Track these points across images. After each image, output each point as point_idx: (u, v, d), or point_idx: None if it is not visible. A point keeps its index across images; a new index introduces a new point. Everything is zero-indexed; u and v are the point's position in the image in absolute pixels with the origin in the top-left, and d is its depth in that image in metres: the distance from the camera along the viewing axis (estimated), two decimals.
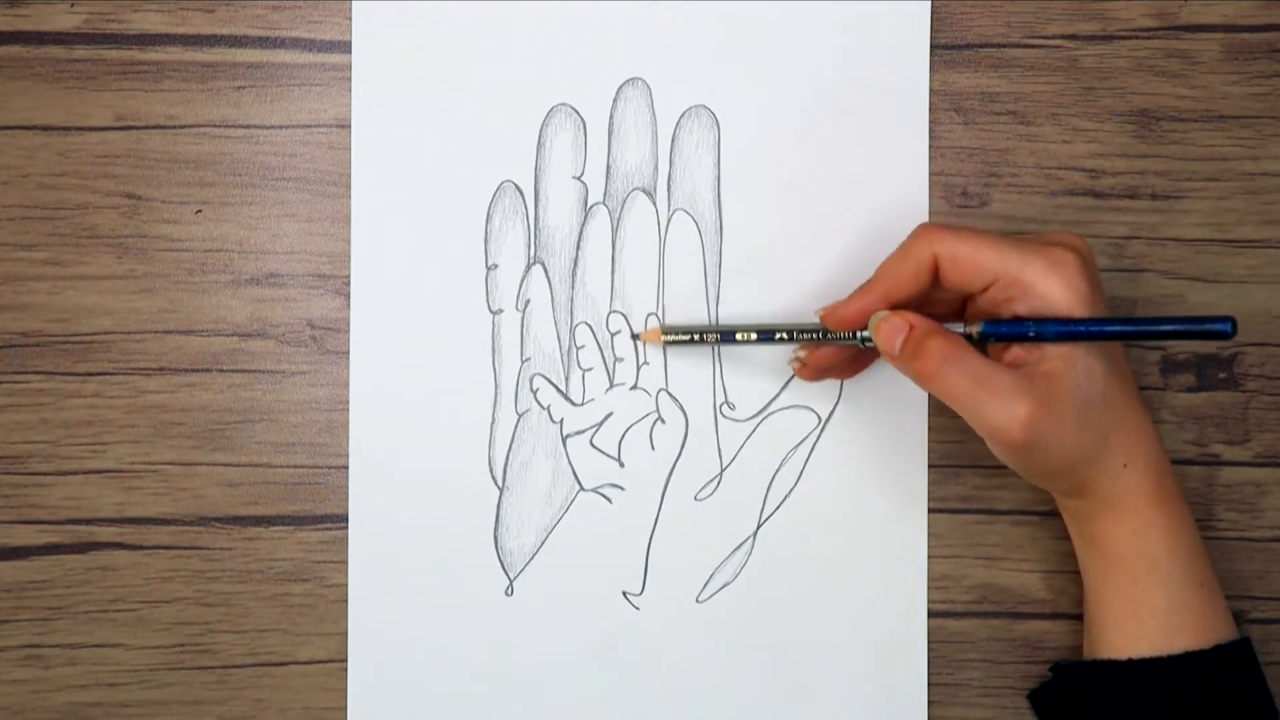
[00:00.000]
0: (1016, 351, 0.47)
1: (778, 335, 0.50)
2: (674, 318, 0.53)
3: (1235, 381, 0.54)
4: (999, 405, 0.45)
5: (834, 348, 0.50)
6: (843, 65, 0.53)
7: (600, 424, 0.53)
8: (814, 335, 0.50)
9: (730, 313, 0.53)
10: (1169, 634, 0.47)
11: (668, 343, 0.52)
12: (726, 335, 0.51)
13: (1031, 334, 0.46)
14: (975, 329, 0.47)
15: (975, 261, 0.46)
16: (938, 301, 0.50)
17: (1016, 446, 0.46)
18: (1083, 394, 0.46)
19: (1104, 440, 0.46)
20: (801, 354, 0.51)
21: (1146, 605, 0.48)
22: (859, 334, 0.49)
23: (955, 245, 0.46)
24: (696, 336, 0.52)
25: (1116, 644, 0.48)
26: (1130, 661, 0.48)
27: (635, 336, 0.53)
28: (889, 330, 0.47)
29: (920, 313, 0.48)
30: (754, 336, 0.51)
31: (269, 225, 0.54)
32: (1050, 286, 0.46)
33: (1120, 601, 0.48)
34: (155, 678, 0.53)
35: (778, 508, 0.53)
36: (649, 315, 0.53)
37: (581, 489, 0.53)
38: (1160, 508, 0.47)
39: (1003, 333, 0.46)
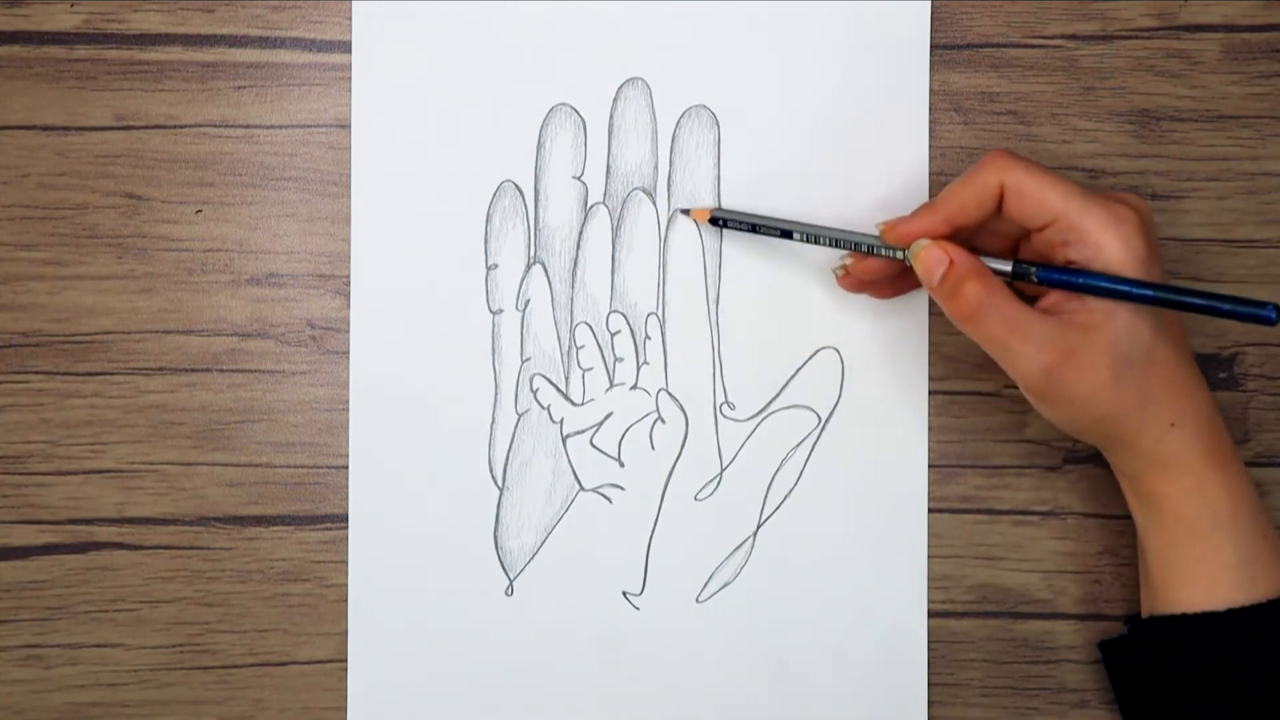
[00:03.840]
0: (1056, 297, 0.47)
1: (825, 239, 0.50)
2: (674, 318, 0.53)
3: (1235, 381, 0.54)
4: (1029, 352, 0.46)
5: (879, 262, 0.50)
6: (843, 65, 0.53)
7: (600, 424, 0.53)
8: (865, 246, 0.50)
9: (730, 312, 0.53)
10: (1244, 587, 0.47)
11: (712, 220, 0.52)
12: (769, 228, 0.51)
13: (1080, 283, 0.46)
14: (1007, 266, 0.47)
15: (1039, 199, 0.46)
16: (992, 233, 0.50)
17: (1041, 393, 0.47)
18: (1122, 350, 0.46)
19: (1146, 398, 0.47)
20: (848, 262, 0.51)
21: (1217, 561, 0.48)
22: (904, 253, 0.49)
23: (1023, 178, 0.46)
24: (748, 226, 0.51)
25: (1186, 601, 0.48)
26: (1213, 614, 0.47)
27: (685, 211, 0.53)
28: (929, 260, 0.47)
29: (974, 241, 0.48)
30: (804, 237, 0.51)
31: (269, 225, 0.54)
32: (1106, 239, 0.46)
33: (1186, 559, 0.48)
34: (155, 678, 0.53)
35: (778, 508, 0.53)
36: (647, 317, 0.53)
37: (581, 489, 0.53)
38: (1215, 466, 0.47)
39: (1055, 280, 0.47)
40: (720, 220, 0.52)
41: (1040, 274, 0.47)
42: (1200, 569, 0.48)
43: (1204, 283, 0.54)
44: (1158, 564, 0.49)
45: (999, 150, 0.48)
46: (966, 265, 0.47)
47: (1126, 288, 0.46)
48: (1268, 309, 0.45)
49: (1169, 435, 0.47)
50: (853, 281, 0.51)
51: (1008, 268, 0.47)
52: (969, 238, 0.49)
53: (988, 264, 0.47)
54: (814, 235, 0.51)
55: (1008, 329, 0.46)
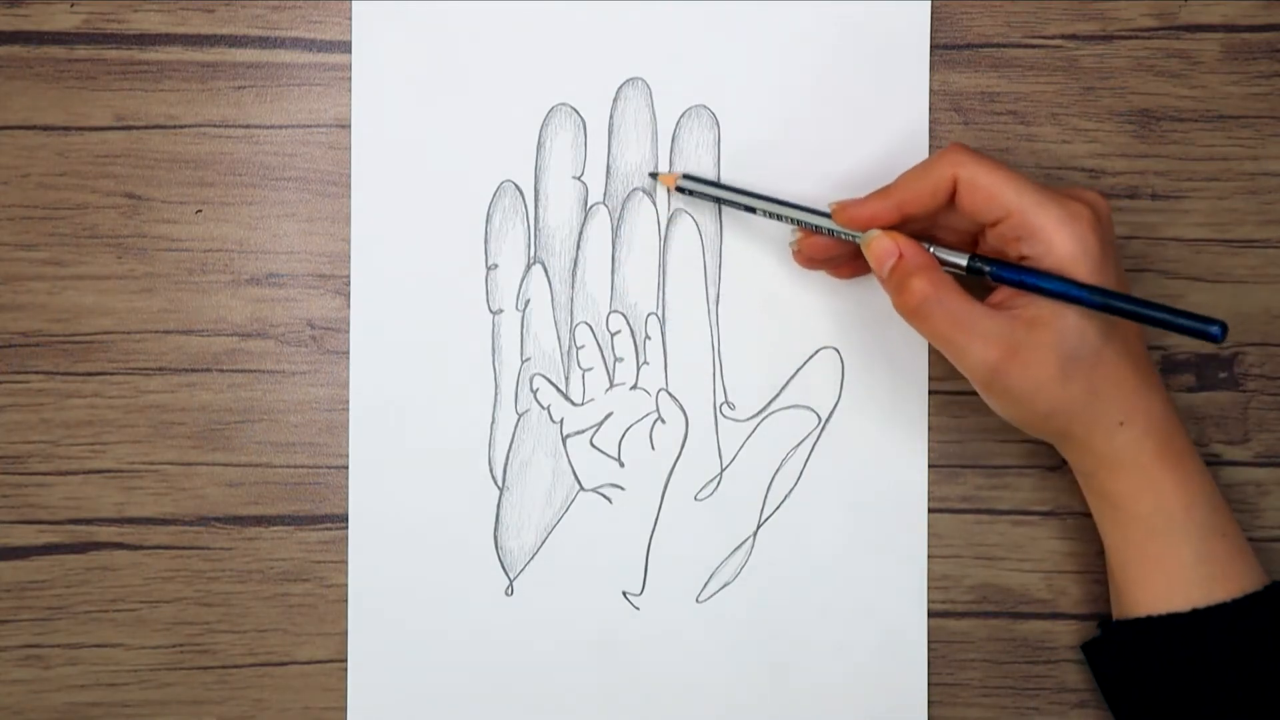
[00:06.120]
0: (1007, 291, 0.47)
1: (786, 218, 0.50)
2: (674, 318, 0.53)
3: (1235, 381, 0.54)
4: (974, 348, 0.46)
5: (828, 241, 0.50)
6: (843, 65, 0.53)
7: (600, 424, 0.53)
8: (826, 229, 0.50)
9: (730, 312, 0.53)
10: (1203, 585, 0.47)
11: (679, 188, 0.52)
12: (732, 201, 0.51)
13: (1029, 283, 0.46)
14: (963, 260, 0.48)
15: (992, 194, 0.46)
16: (951, 225, 0.50)
17: (987, 387, 0.47)
18: (1069, 347, 0.46)
19: (1093, 395, 0.47)
20: (796, 239, 0.51)
21: (1175, 560, 0.48)
22: (859, 235, 0.49)
23: (977, 172, 0.47)
24: (713, 197, 0.52)
25: (1148, 602, 0.48)
26: (1177, 615, 0.47)
27: (653, 175, 0.53)
28: (880, 251, 0.48)
29: (934, 234, 0.49)
30: (763, 213, 0.51)
31: (269, 225, 0.54)
32: (1059, 236, 0.46)
33: (1143, 559, 0.48)
34: (155, 678, 0.53)
35: (778, 508, 0.53)
36: (647, 317, 0.53)
37: (581, 489, 0.53)
38: (1167, 465, 0.48)
39: (1004, 277, 0.47)
40: (686, 189, 0.52)
41: (994, 272, 0.47)
42: (1159, 569, 0.48)
43: (1204, 283, 0.54)
44: (1118, 564, 0.49)
45: (957, 144, 0.48)
46: (915, 259, 0.47)
47: (1073, 291, 0.46)
48: (1214, 326, 0.45)
49: (1118, 433, 0.47)
50: (805, 259, 0.52)
51: (963, 261, 0.48)
52: (929, 229, 0.49)
53: (942, 256, 0.48)
54: (776, 213, 0.50)
55: (953, 325, 0.46)
